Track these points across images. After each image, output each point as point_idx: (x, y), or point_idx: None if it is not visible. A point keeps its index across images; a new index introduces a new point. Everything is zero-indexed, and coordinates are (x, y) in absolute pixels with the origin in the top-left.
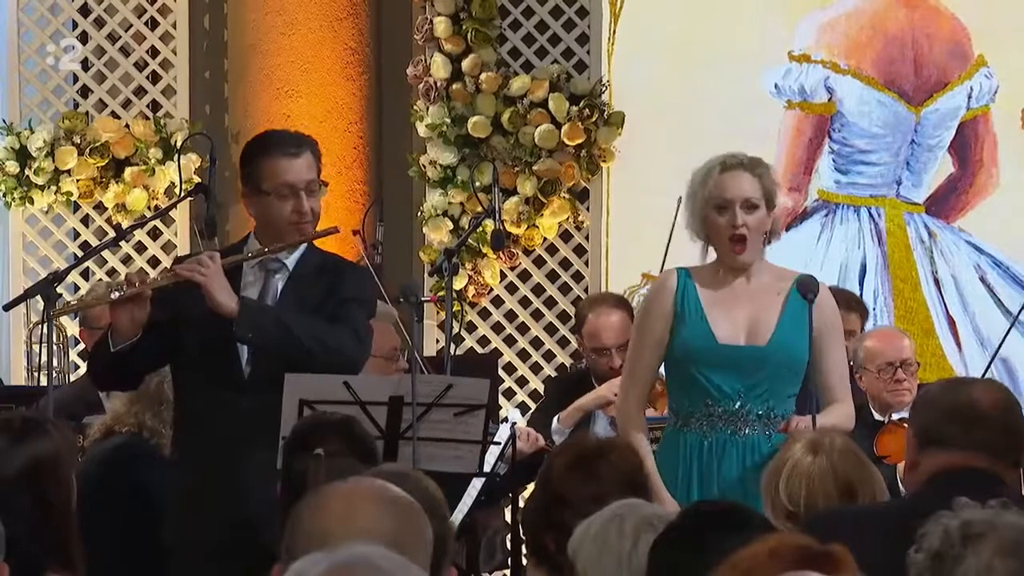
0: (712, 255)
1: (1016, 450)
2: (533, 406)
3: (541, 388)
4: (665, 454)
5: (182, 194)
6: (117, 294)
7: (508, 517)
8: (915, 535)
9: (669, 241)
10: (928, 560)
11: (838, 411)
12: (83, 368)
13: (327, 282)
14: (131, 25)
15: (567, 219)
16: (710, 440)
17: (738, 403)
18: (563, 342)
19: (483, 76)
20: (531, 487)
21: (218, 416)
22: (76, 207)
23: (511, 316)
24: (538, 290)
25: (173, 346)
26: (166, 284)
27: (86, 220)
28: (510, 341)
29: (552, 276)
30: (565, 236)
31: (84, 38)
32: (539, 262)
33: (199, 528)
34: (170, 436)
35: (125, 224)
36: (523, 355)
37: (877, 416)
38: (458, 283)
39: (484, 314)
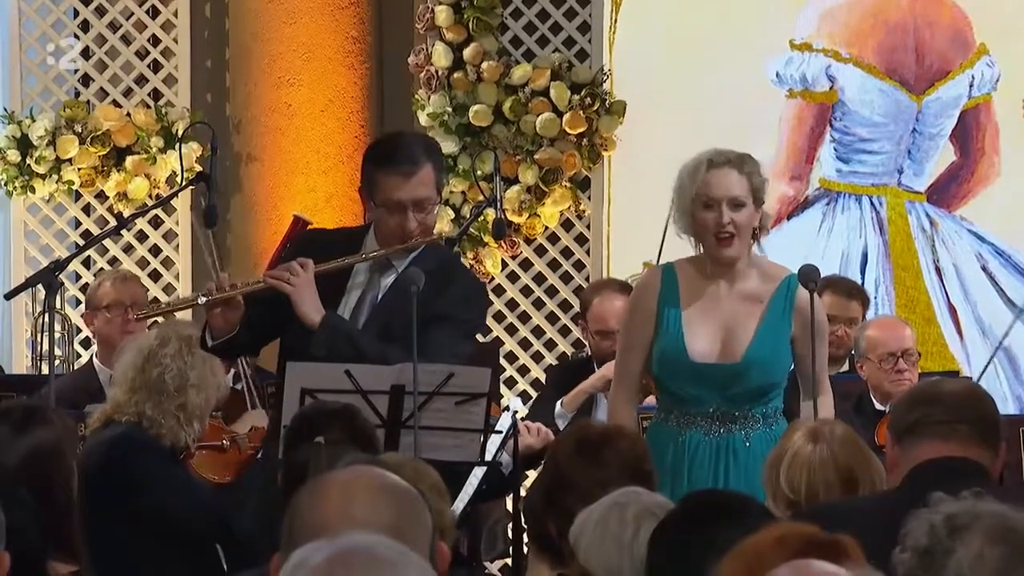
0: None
1: (987, 431)
2: (535, 395)
3: (543, 377)
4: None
5: (183, 183)
6: (204, 299)
7: (510, 506)
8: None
9: (665, 231)
10: (917, 557)
11: (823, 410)
12: (85, 356)
13: (430, 291)
14: (132, 14)
15: (568, 208)
16: (684, 437)
17: (713, 407)
18: (564, 331)
19: (484, 65)
20: (532, 475)
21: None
22: (77, 196)
23: (512, 305)
24: (539, 279)
25: (280, 320)
26: (254, 291)
27: (87, 209)
28: (511, 330)
29: (553, 265)
30: (566, 225)
31: (85, 27)
32: (540, 251)
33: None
34: (169, 426)
35: (126, 213)
36: (524, 344)
37: (878, 406)
38: None
39: None
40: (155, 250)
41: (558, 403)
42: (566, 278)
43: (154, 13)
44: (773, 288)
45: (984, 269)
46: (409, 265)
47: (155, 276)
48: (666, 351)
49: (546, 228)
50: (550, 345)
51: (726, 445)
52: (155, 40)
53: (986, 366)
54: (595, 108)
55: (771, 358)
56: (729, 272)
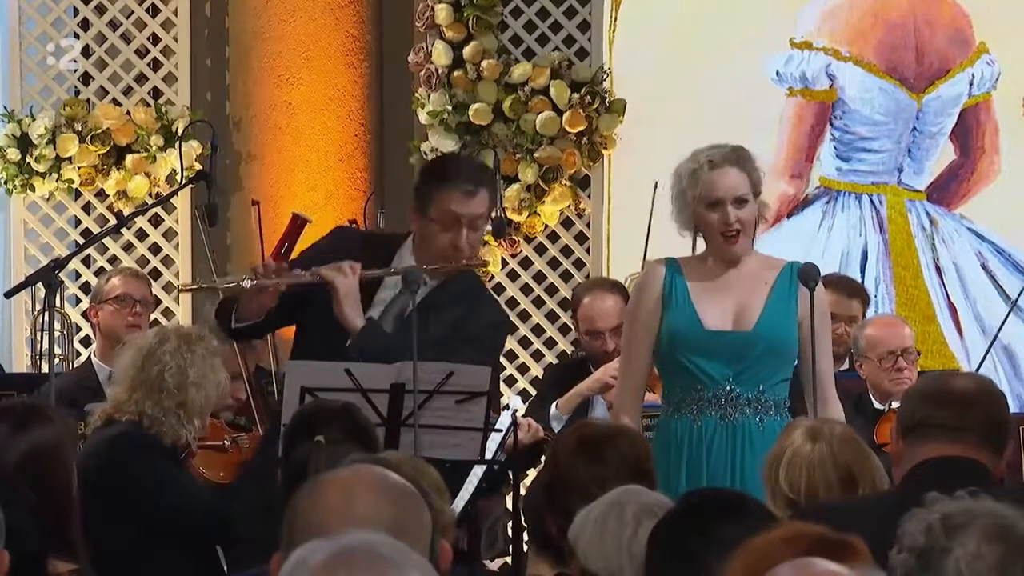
0: (701, 246)
1: (993, 434)
2: (534, 393)
3: (542, 375)
4: (657, 443)
5: (183, 181)
6: (250, 283)
7: (510, 504)
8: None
9: (648, 231)
10: (915, 558)
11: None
12: (85, 355)
13: (457, 313)
14: (132, 12)
15: (568, 206)
16: (699, 424)
17: (727, 387)
18: (564, 329)
19: (484, 63)
20: (532, 474)
21: None
22: (77, 194)
23: (512, 303)
24: (539, 277)
25: (296, 321)
26: (302, 282)
27: (87, 207)
28: (511, 328)
29: (553, 263)
30: (566, 223)
31: (85, 25)
32: (540, 249)
33: None
34: (170, 424)
35: (126, 211)
36: (524, 342)
37: (877, 405)
38: None
39: None
40: (155, 248)
41: (553, 405)
42: (566, 276)
43: (154, 11)
44: (776, 272)
45: (984, 267)
46: (439, 285)
47: (155, 275)
48: (679, 323)
49: (546, 226)
50: (550, 343)
51: (741, 429)
52: (155, 38)
53: (982, 360)
54: (595, 106)
55: (781, 332)
56: (733, 263)
